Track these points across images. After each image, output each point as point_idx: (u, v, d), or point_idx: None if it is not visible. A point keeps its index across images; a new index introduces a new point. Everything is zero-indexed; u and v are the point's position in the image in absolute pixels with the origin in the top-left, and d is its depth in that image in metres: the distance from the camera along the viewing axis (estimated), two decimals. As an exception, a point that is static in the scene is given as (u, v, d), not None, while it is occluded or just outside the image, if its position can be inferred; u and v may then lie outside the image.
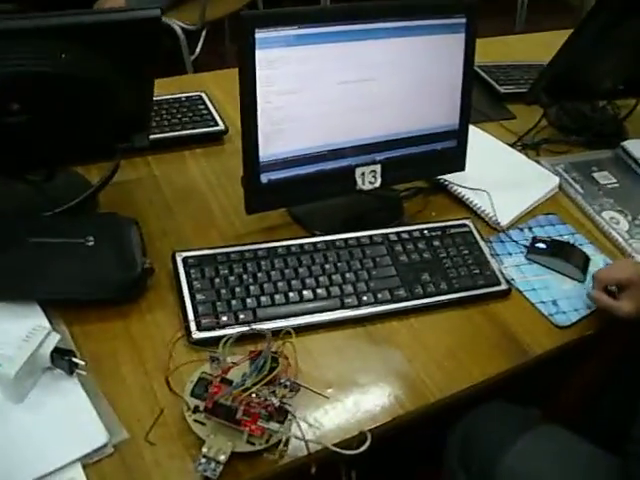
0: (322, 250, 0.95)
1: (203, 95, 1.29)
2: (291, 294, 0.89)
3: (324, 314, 0.88)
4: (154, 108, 1.16)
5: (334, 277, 0.92)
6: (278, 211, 1.03)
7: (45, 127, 0.85)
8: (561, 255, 1.03)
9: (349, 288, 0.92)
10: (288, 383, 0.74)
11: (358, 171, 1.00)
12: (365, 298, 0.91)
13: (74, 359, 0.75)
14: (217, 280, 0.88)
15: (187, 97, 1.27)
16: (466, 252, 1.01)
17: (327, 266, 0.93)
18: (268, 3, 2.82)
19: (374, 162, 1.01)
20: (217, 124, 1.21)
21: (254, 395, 0.71)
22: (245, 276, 0.90)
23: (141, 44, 0.84)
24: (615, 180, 1.27)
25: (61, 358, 0.74)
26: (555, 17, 2.79)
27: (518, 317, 0.95)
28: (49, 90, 0.81)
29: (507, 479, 0.88)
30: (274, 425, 0.70)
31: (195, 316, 0.84)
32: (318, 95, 0.93)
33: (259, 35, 0.85)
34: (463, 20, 0.99)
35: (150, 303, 0.88)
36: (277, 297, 0.88)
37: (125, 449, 0.71)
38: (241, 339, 0.78)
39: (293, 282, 0.90)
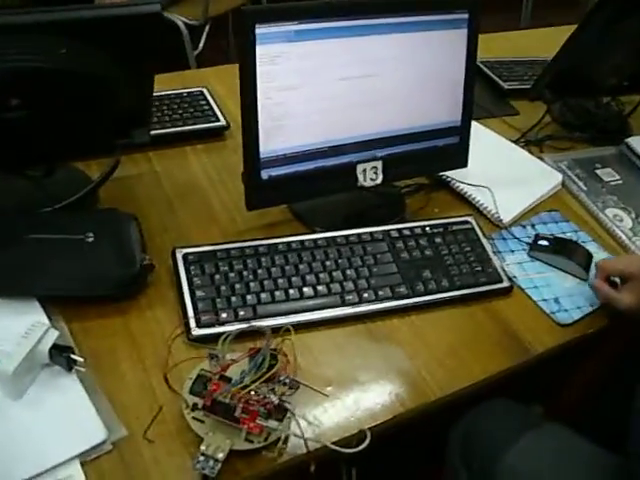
0: (323, 247, 0.95)
1: (204, 90, 1.28)
2: (291, 291, 0.89)
3: (324, 311, 0.88)
4: (155, 103, 1.16)
5: (335, 274, 0.92)
6: (279, 207, 1.03)
7: (45, 122, 0.85)
8: (564, 253, 1.03)
9: (350, 285, 0.91)
10: (287, 381, 0.74)
11: (359, 167, 1.00)
12: (366, 295, 0.90)
13: (73, 356, 0.75)
14: (217, 277, 0.88)
15: (188, 92, 1.27)
16: (468, 249, 1.00)
17: (328, 263, 0.93)
18: (271, -2, 2.81)
19: (375, 158, 1.01)
20: (218, 120, 1.21)
21: (253, 393, 0.71)
22: (245, 273, 0.89)
23: (141, 39, 0.83)
24: (619, 177, 1.27)
25: (60, 355, 0.74)
26: (562, 12, 2.77)
27: (520, 315, 0.94)
28: (49, 85, 0.81)
29: (508, 477, 0.87)
30: (273, 423, 0.70)
31: (195, 313, 0.84)
32: (319, 91, 0.92)
33: (259, 30, 0.84)
34: (466, 15, 0.99)
35: (150, 300, 0.87)
36: (277, 294, 0.88)
37: (124, 446, 0.71)
38: (240, 336, 0.78)
39: (293, 279, 0.90)
